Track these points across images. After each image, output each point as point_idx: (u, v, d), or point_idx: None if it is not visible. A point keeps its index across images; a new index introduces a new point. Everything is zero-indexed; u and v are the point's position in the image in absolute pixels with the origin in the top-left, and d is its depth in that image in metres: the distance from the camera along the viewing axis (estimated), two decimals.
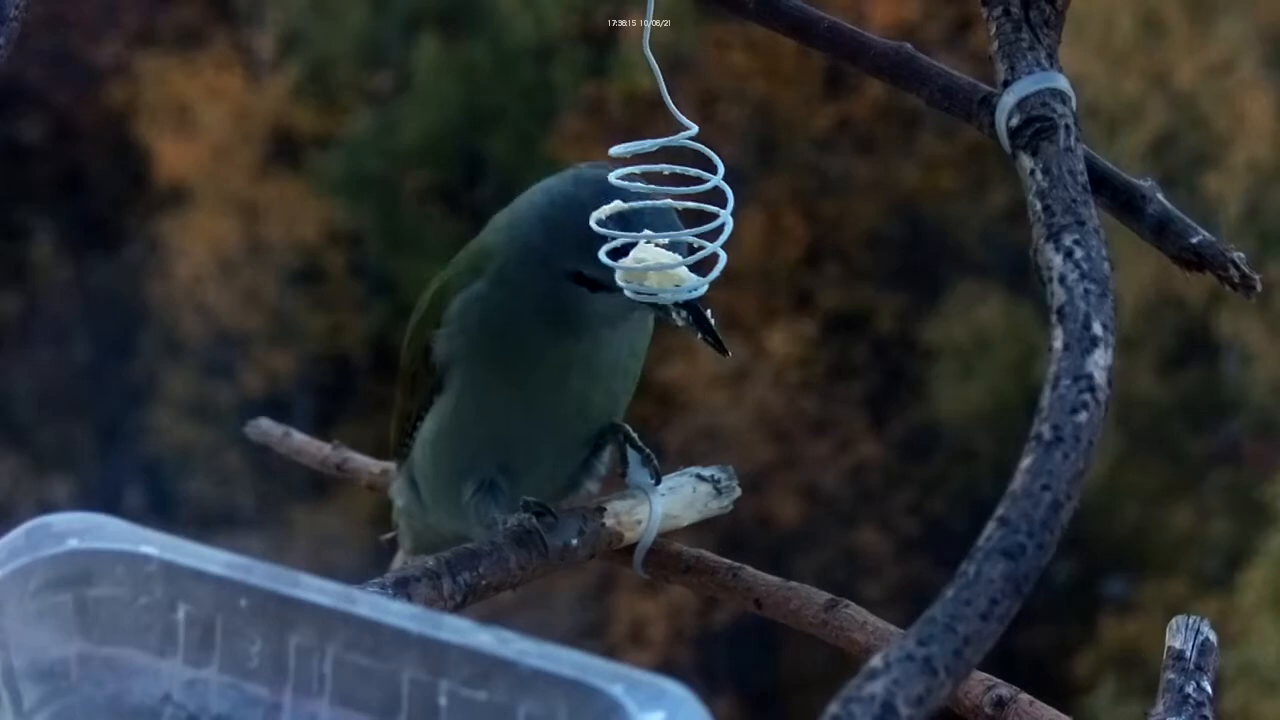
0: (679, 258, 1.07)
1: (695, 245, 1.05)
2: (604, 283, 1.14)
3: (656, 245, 1.09)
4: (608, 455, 1.27)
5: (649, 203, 1.08)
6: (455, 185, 9.17)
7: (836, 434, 8.61)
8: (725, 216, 1.02)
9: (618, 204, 1.10)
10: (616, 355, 1.22)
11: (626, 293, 1.08)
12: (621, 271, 1.09)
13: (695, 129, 1.03)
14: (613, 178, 1.06)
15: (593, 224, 1.09)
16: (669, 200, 1.06)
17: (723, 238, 1.02)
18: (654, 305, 1.11)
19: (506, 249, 1.22)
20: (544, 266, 1.19)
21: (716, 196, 1.04)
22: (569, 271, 1.17)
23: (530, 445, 1.24)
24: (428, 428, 1.26)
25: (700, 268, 1.06)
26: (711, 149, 1.02)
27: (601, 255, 1.09)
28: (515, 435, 1.23)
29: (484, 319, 1.21)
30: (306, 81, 9.38)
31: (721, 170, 1.02)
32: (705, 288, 1.06)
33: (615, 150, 1.05)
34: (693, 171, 1.03)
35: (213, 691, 0.75)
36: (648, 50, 1.01)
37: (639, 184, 1.06)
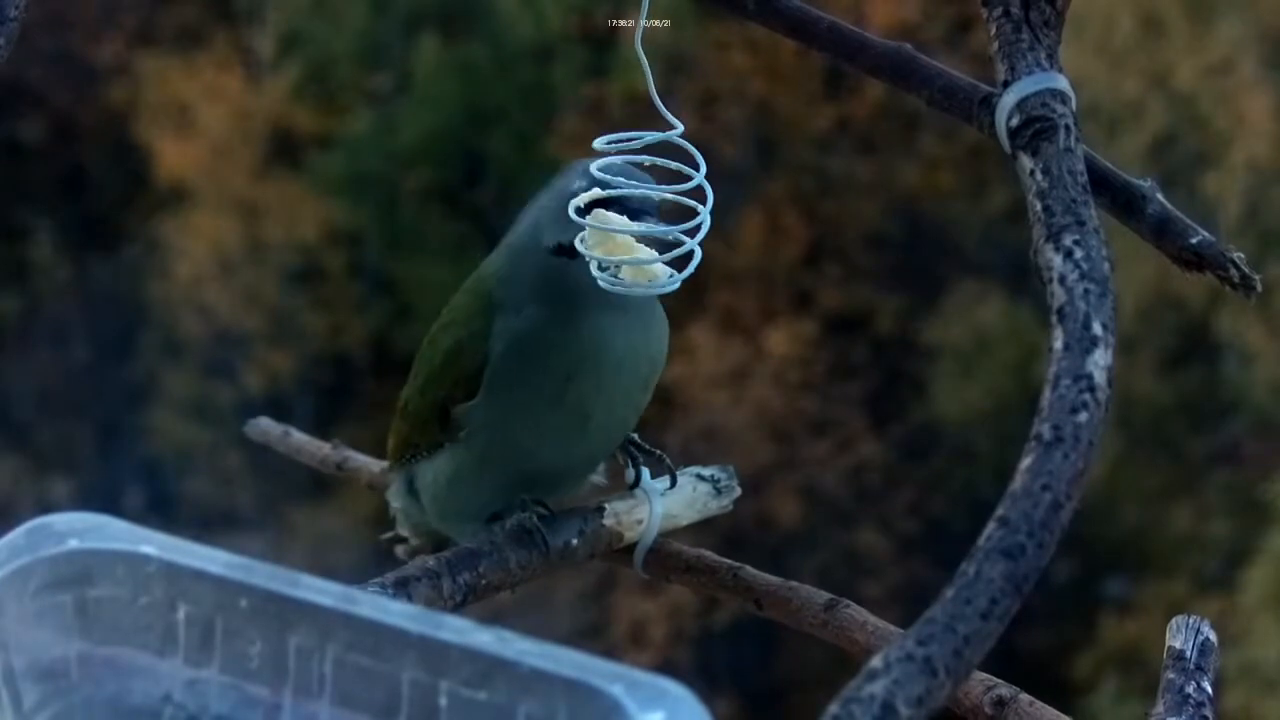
0: (654, 253, 1.07)
1: (673, 240, 1.04)
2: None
3: (631, 235, 1.09)
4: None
5: (630, 190, 1.08)
6: (455, 185, 9.14)
7: (836, 434, 8.60)
8: (704, 215, 1.02)
9: (596, 191, 1.09)
10: (633, 358, 1.21)
11: (600, 283, 1.07)
12: (588, 246, 1.08)
13: (681, 127, 1.03)
14: (594, 168, 1.05)
15: (570, 210, 1.09)
16: (653, 191, 1.06)
17: (700, 235, 1.01)
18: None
19: (506, 271, 1.20)
20: (535, 258, 1.18)
21: (700, 195, 1.03)
22: (550, 247, 1.16)
23: (552, 479, 1.23)
24: (439, 469, 1.24)
25: (677, 265, 1.06)
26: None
27: (579, 245, 1.09)
28: (537, 475, 1.22)
29: (509, 382, 1.18)
30: (306, 81, 9.37)
31: (704, 168, 1.01)
32: (678, 284, 1.06)
33: (598, 142, 1.04)
34: (675, 165, 1.02)
35: (213, 692, 0.75)
36: (639, 47, 1.01)
37: (620, 178, 1.06)
